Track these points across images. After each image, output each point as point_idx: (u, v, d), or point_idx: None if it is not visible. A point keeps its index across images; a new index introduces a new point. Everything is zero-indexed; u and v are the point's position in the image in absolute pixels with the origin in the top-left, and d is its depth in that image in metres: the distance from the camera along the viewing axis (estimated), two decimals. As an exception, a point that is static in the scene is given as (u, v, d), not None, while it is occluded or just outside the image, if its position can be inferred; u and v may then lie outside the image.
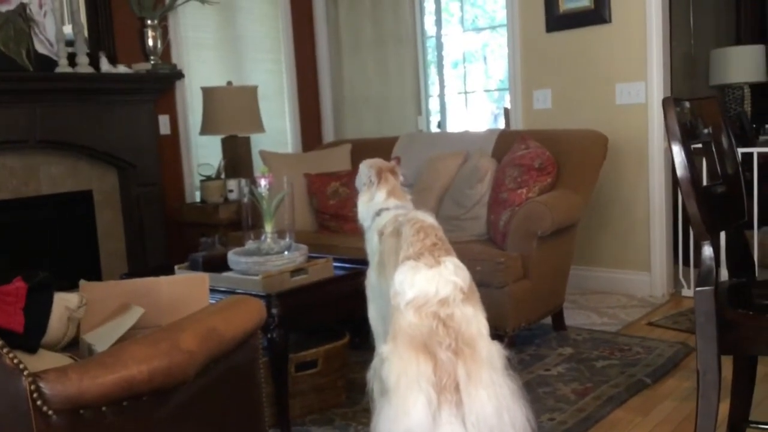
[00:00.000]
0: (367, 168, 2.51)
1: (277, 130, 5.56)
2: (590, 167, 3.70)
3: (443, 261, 1.90)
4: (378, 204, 2.40)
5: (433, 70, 5.85)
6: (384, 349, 1.82)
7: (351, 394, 2.98)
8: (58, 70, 4.09)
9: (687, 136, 1.91)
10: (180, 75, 4.79)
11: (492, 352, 1.84)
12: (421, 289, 1.83)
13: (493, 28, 5.91)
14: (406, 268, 1.88)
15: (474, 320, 1.85)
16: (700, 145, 2.11)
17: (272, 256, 2.75)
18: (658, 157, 4.20)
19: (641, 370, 3.11)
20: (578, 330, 3.73)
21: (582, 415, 2.70)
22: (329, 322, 3.00)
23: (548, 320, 3.72)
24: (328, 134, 5.87)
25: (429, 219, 2.12)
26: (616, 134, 4.14)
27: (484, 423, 1.76)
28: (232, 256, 2.81)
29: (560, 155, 3.63)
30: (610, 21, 4.29)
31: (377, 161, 2.55)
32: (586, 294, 4.41)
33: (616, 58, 4.30)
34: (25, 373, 1.37)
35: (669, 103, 1.90)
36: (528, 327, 3.52)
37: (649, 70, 4.17)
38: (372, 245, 2.34)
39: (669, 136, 1.89)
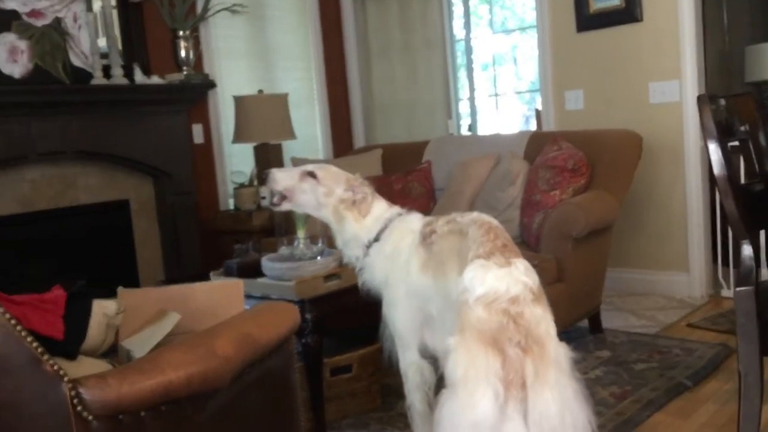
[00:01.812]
0: (330, 182, 2.32)
1: (308, 136, 5.60)
2: (625, 167, 3.66)
3: (514, 262, 1.91)
4: (381, 218, 2.33)
5: (462, 74, 5.84)
6: (450, 340, 1.82)
7: (386, 398, 2.98)
8: (94, 82, 4.17)
9: (723, 134, 1.88)
10: (212, 84, 4.85)
11: (559, 353, 1.85)
12: (492, 286, 1.84)
13: (522, 29, 5.88)
14: (477, 266, 1.89)
15: (543, 320, 1.85)
16: (736, 143, 2.07)
17: (305, 262, 2.76)
18: (694, 156, 4.13)
19: (681, 373, 3.06)
20: (616, 332, 3.68)
21: (621, 418, 2.66)
22: (363, 326, 3.00)
23: (585, 323, 3.68)
24: (359, 140, 5.89)
25: (494, 220, 2.12)
26: (651, 133, 4.08)
27: (546, 422, 1.76)
28: (266, 262, 2.83)
29: (594, 156, 3.59)
30: (641, 19, 4.24)
31: (325, 168, 2.36)
32: (623, 296, 4.35)
33: (648, 56, 4.25)
34: (66, 379, 1.39)
35: (704, 100, 1.87)
36: (564, 330, 3.48)
37: (683, 67, 4.11)
38: (399, 255, 2.28)
39: (705, 135, 1.86)
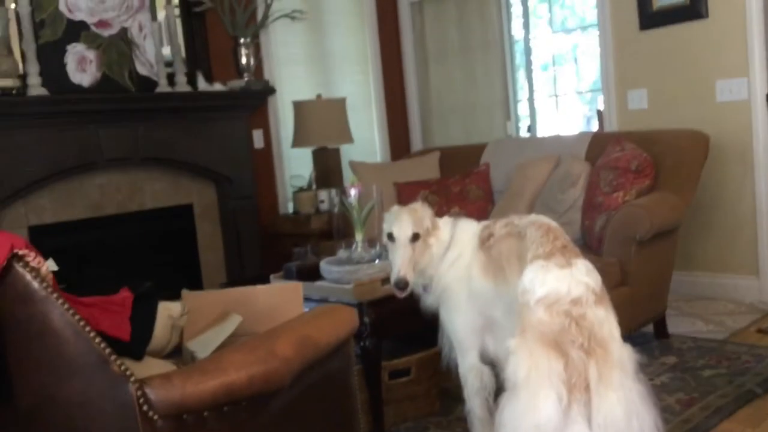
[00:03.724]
0: (406, 224, 2.24)
1: (366, 140, 5.62)
2: (691, 168, 3.55)
3: (575, 263, 1.89)
4: (446, 230, 2.31)
5: (521, 74, 5.77)
6: (511, 342, 1.80)
7: (445, 402, 2.96)
8: (159, 90, 4.29)
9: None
10: (272, 90, 4.92)
11: (623, 355, 1.82)
12: (552, 287, 1.82)
13: (583, 28, 5.78)
14: (537, 267, 1.88)
15: (606, 322, 1.83)
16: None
17: (363, 265, 2.77)
18: (764, 155, 3.99)
19: (751, 380, 2.95)
20: (682, 338, 3.58)
21: (688, 426, 2.59)
22: (421, 329, 3.00)
23: (650, 328, 3.58)
24: (416, 143, 5.88)
25: (553, 222, 2.10)
26: (718, 133, 3.96)
27: (611, 426, 1.74)
28: (325, 266, 2.85)
29: (658, 156, 3.50)
30: (707, 16, 4.12)
31: (399, 212, 2.30)
32: (690, 300, 4.23)
33: (714, 54, 4.12)
34: (132, 379, 1.43)
35: (775, 97, 1.80)
36: (628, 335, 3.39)
37: (751, 64, 3.98)
38: (462, 257, 2.28)
39: (776, 132, 1.79)
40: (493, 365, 2.22)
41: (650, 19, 4.35)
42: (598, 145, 3.84)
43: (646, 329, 3.56)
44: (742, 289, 4.15)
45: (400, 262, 2.20)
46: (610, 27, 4.56)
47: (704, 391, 2.90)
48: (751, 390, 2.86)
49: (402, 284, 2.19)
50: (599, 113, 5.21)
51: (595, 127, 5.58)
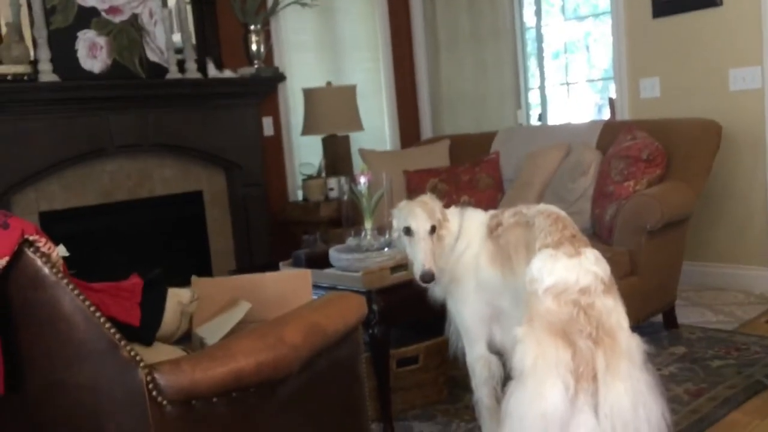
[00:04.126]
0: (422, 217, 2.22)
1: (376, 128, 5.61)
2: (703, 157, 3.53)
3: (583, 252, 1.88)
4: (455, 220, 2.29)
5: (533, 62, 5.73)
6: (518, 331, 1.80)
7: (453, 390, 2.97)
8: (169, 76, 4.29)
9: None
10: (282, 77, 4.91)
11: (631, 345, 1.82)
12: (561, 276, 1.82)
13: (596, 15, 5.73)
14: (545, 256, 1.87)
15: (614, 312, 1.83)
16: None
17: (372, 253, 2.77)
18: (778, 145, 3.96)
19: (760, 371, 2.94)
20: (691, 328, 3.57)
21: (696, 416, 2.58)
22: (429, 318, 3.00)
23: (659, 318, 3.57)
24: (426, 131, 5.87)
25: (561, 211, 2.09)
26: (731, 122, 3.92)
27: (618, 415, 1.73)
28: (334, 253, 2.85)
29: (670, 146, 3.48)
30: (720, 4, 4.08)
31: (411, 206, 2.26)
32: (700, 290, 4.21)
33: (728, 42, 4.08)
34: (142, 365, 1.44)
35: (789, 86, 1.78)
36: (637, 325, 3.39)
37: (765, 53, 3.93)
38: (471, 247, 2.27)
39: (789, 122, 1.78)
40: (501, 355, 2.22)
41: (664, 6, 4.31)
42: (609, 133, 3.82)
43: (655, 319, 3.55)
44: (752, 279, 4.12)
45: (423, 256, 2.18)
46: (623, 14, 4.52)
47: (713, 381, 2.89)
48: (760, 381, 2.85)
49: (428, 277, 2.17)
50: (611, 101, 5.18)
51: (606, 115, 5.55)
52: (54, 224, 3.83)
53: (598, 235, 3.48)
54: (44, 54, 3.78)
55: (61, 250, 1.55)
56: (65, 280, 1.42)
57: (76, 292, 1.42)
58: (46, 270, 1.41)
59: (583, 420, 1.74)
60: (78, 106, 3.96)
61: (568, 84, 5.83)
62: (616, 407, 1.74)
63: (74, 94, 3.94)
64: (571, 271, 1.83)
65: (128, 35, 4.21)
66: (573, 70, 5.87)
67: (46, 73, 3.78)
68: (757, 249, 4.11)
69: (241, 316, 2.17)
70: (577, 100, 5.87)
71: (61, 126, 3.90)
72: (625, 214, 3.28)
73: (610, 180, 3.47)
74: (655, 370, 1.86)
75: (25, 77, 3.73)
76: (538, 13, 5.63)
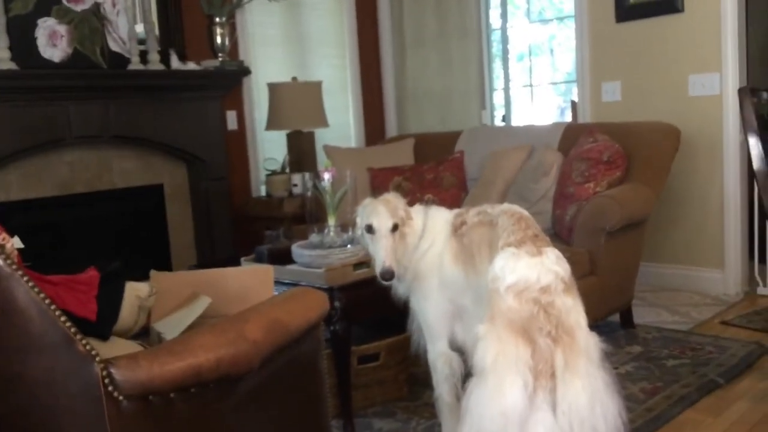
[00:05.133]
0: (384, 215, 2.21)
1: (341, 124, 5.60)
2: (661, 160, 3.60)
3: (545, 251, 1.90)
4: (419, 218, 2.30)
5: (497, 63, 5.78)
6: (480, 328, 1.82)
7: (413, 387, 2.98)
8: (131, 67, 4.22)
9: (764, 128, 1.84)
10: (247, 71, 4.87)
11: (590, 343, 1.84)
12: (522, 275, 1.83)
13: (560, 19, 5.80)
14: (507, 255, 1.89)
15: (573, 310, 1.85)
16: (778, 137, 2.02)
17: (335, 250, 2.76)
18: (734, 150, 4.05)
19: (713, 370, 3.01)
20: (647, 328, 3.64)
21: (651, 414, 2.63)
22: (391, 315, 3.00)
23: (616, 317, 3.63)
24: (391, 129, 5.88)
25: (525, 211, 2.11)
26: (689, 127, 4.01)
27: (575, 413, 1.76)
28: (296, 249, 2.84)
29: (630, 148, 3.54)
30: (682, 10, 4.16)
31: (374, 204, 2.27)
32: (657, 291, 4.29)
33: (689, 48, 4.16)
34: (97, 359, 1.42)
35: (745, 93, 1.83)
36: (595, 324, 3.44)
37: (724, 60, 4.03)
38: (435, 245, 2.28)
39: (745, 128, 1.83)
40: (462, 352, 2.24)
41: (627, 11, 4.38)
42: (571, 135, 3.87)
43: (612, 318, 3.61)
44: (707, 281, 4.22)
45: (384, 253, 2.19)
46: (587, 19, 4.58)
47: (668, 380, 2.95)
48: (714, 380, 2.92)
49: (388, 275, 2.18)
50: (573, 104, 5.25)
51: (568, 118, 5.62)
52: (11, 215, 3.74)
53: (559, 235, 3.52)
54: (2, 41, 3.69)
55: (16, 242, 1.52)
56: (19, 272, 1.39)
57: (30, 284, 1.39)
58: (-1, 261, 1.37)
59: (542, 417, 1.76)
60: (36, 96, 3.87)
61: (531, 86, 5.89)
62: (574, 405, 1.77)
63: (33, 83, 3.85)
64: (533, 269, 1.85)
65: (90, 24, 4.12)
66: (537, 73, 5.93)
67: (4, 61, 3.69)
68: (712, 251, 4.20)
69: (201, 311, 2.15)
70: (540, 102, 5.93)
71: (18, 115, 3.80)
72: (585, 215, 3.32)
73: (571, 181, 3.52)
74: (612, 369, 1.89)
75: (-18, 65, 3.64)
76: (503, 15, 5.67)
